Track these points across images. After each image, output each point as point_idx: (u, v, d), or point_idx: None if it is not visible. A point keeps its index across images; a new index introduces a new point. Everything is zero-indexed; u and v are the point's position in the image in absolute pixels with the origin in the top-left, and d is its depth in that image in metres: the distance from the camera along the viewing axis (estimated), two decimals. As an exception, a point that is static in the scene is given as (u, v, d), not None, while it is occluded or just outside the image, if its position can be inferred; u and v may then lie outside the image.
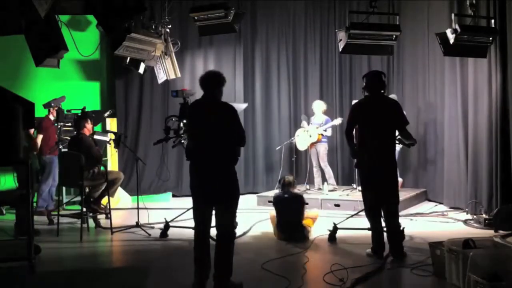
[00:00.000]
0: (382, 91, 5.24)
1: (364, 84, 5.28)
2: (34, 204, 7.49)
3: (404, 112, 6.00)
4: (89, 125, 6.84)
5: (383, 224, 5.25)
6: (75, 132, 7.05)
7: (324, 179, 8.69)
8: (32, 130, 7.36)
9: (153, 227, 6.59)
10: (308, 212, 6.26)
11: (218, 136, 4.09)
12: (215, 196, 4.14)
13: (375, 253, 5.12)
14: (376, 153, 5.09)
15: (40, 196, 7.41)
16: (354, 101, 8.00)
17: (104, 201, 6.88)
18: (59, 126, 7.37)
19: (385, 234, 5.20)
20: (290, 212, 6.02)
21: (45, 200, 7.44)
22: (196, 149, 4.18)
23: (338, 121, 8.58)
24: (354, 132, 5.35)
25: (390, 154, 5.17)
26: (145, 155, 9.04)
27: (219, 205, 4.19)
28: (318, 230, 6.19)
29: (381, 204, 5.18)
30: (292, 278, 4.43)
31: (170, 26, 7.64)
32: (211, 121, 4.13)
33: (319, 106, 8.73)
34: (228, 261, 4.20)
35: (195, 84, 9.54)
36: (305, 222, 6.08)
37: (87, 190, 6.90)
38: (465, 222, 6.77)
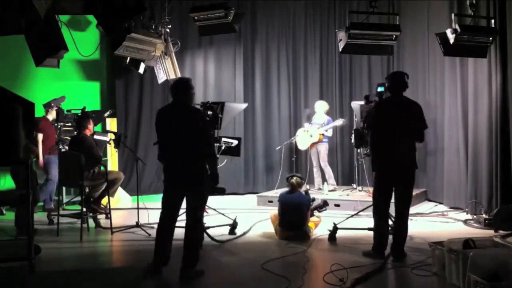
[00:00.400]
0: (403, 92, 5.16)
1: (387, 84, 5.24)
2: (41, 203, 7.54)
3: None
4: (90, 125, 6.84)
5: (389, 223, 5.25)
6: (75, 132, 7.06)
7: (324, 179, 8.69)
8: (41, 136, 7.38)
9: (153, 227, 6.58)
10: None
11: (182, 137, 4.51)
12: (184, 183, 4.56)
13: (376, 253, 5.10)
14: (396, 155, 5.02)
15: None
16: (353, 102, 8.02)
17: (104, 201, 6.88)
18: (59, 126, 7.37)
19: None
20: (294, 212, 6.01)
21: (51, 198, 7.51)
22: (165, 150, 4.66)
23: (339, 121, 8.58)
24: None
25: (411, 156, 5.09)
26: (145, 155, 9.04)
27: (188, 192, 4.59)
28: (318, 230, 6.19)
29: (391, 203, 5.15)
30: (292, 278, 4.43)
31: (170, 26, 7.65)
32: (176, 124, 4.56)
33: (321, 106, 8.73)
34: (193, 249, 4.58)
35: (195, 84, 9.48)
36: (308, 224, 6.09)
37: (87, 190, 6.90)
38: (465, 222, 6.77)
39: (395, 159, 5.04)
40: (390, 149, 5.06)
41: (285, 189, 6.40)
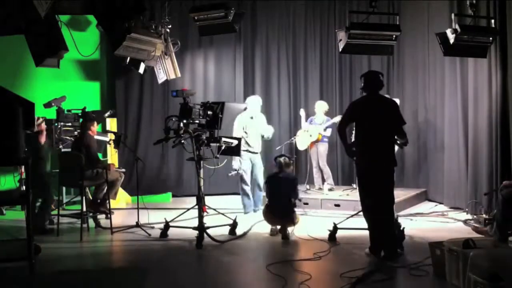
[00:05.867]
0: (379, 90, 5.24)
1: (362, 84, 5.29)
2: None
3: (403, 112, 5.99)
4: (94, 127, 6.83)
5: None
6: (75, 133, 7.08)
7: (324, 179, 8.69)
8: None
9: (153, 227, 6.59)
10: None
11: None
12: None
13: (372, 253, 5.11)
14: (375, 153, 5.08)
15: None
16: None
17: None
18: (59, 126, 7.36)
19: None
20: (281, 192, 6.03)
21: None
22: None
23: (338, 118, 8.56)
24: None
25: (389, 154, 5.16)
26: (145, 155, 9.04)
27: None
28: (318, 230, 6.19)
29: (378, 204, 5.17)
30: (292, 278, 4.43)
31: (170, 26, 7.64)
32: None
33: (321, 107, 8.72)
34: None
35: (195, 84, 9.59)
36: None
37: (87, 191, 6.88)
38: (465, 222, 6.77)
39: (374, 157, 5.08)
40: (369, 147, 5.10)
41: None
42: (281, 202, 6.04)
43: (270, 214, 6.03)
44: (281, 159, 6.33)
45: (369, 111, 5.17)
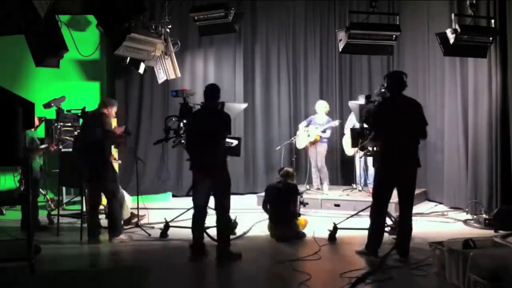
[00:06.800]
0: (403, 91, 5.19)
1: (385, 84, 5.27)
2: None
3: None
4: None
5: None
6: (75, 132, 7.07)
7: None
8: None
9: (153, 227, 6.58)
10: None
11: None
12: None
13: (371, 252, 5.09)
14: (400, 154, 5.05)
15: None
16: (351, 102, 8.01)
17: (104, 201, 6.85)
18: (59, 126, 7.35)
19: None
20: (282, 203, 6.01)
21: None
22: None
23: (336, 122, 8.58)
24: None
25: (414, 154, 5.14)
26: (145, 155, 9.04)
27: None
28: (318, 230, 6.19)
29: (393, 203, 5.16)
30: (292, 279, 4.43)
31: (170, 26, 7.64)
32: None
33: (322, 107, 8.72)
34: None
35: (195, 84, 9.58)
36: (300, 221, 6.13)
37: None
38: (465, 222, 6.77)
39: (399, 158, 5.06)
40: (394, 148, 5.08)
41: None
42: (282, 214, 6.01)
43: (274, 228, 6.01)
44: (284, 169, 6.30)
45: (394, 112, 5.13)
